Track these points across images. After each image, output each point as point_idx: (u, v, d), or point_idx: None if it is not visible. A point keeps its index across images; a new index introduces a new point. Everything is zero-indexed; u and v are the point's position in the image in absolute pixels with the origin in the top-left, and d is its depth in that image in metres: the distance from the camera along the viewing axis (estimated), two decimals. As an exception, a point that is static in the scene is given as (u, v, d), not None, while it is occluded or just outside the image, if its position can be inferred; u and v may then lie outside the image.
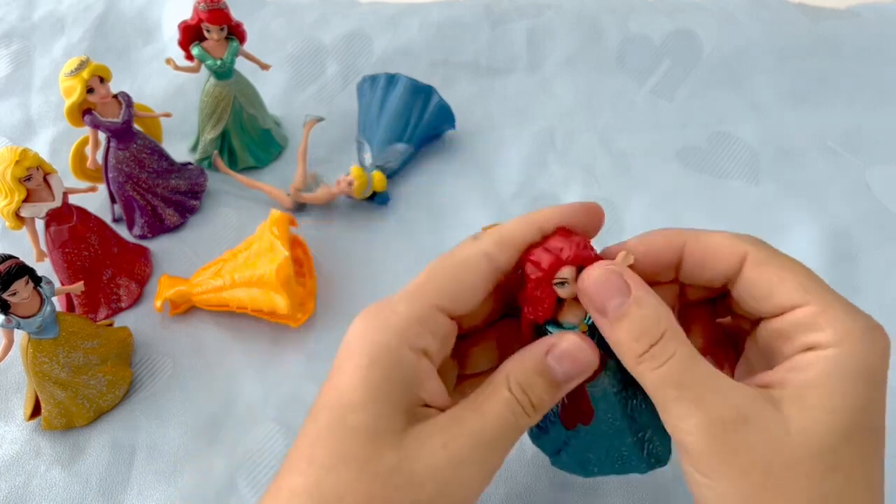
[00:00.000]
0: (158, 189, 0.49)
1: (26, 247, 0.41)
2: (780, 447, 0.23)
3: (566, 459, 0.31)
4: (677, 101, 0.58)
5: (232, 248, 0.46)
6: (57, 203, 0.42)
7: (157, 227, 0.49)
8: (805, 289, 0.25)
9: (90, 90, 0.44)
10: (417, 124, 0.52)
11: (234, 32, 0.49)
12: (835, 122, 0.56)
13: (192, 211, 0.50)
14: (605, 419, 0.29)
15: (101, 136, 0.46)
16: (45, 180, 0.41)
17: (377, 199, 0.50)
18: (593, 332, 0.27)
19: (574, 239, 0.27)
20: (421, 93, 0.53)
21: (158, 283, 0.45)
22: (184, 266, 0.47)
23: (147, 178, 0.48)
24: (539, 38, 0.62)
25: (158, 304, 0.44)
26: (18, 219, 0.41)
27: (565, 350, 0.26)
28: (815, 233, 0.48)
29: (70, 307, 0.45)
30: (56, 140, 0.55)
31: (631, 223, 0.50)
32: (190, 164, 0.52)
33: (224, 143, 0.52)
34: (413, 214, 0.50)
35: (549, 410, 0.28)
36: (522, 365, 0.26)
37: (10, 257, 0.34)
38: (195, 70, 0.50)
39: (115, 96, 0.46)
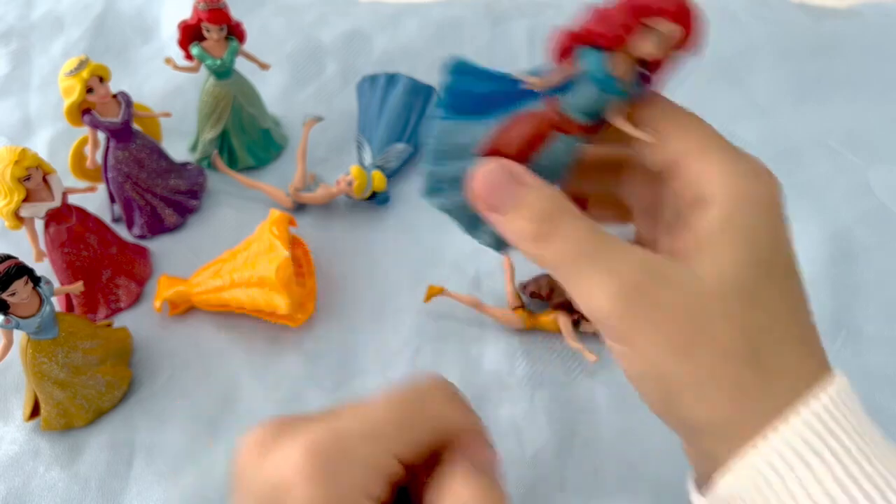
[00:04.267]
0: (158, 189, 0.48)
1: (25, 247, 0.41)
2: (695, 294, 0.22)
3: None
4: (678, 100, 0.57)
5: (231, 248, 0.45)
6: (56, 203, 0.42)
7: (157, 227, 0.49)
8: (699, 137, 0.25)
9: (90, 90, 0.44)
10: (417, 124, 0.52)
11: (234, 32, 0.49)
12: (836, 122, 0.56)
13: (192, 211, 0.50)
14: None
15: (101, 135, 0.46)
16: (45, 180, 0.41)
17: (377, 199, 0.50)
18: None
19: None
20: (421, 92, 0.53)
21: (158, 284, 0.45)
22: (183, 266, 0.47)
23: (146, 177, 0.48)
24: (539, 37, 0.62)
25: (158, 304, 0.44)
26: (18, 219, 0.41)
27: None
28: (816, 232, 0.48)
29: (69, 307, 0.45)
30: (55, 140, 0.55)
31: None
32: (189, 163, 0.52)
33: (223, 143, 0.52)
34: (413, 214, 0.50)
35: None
36: None
37: (10, 257, 0.34)
38: (194, 70, 0.50)
39: (115, 96, 0.46)
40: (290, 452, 0.22)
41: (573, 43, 0.24)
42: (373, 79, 0.55)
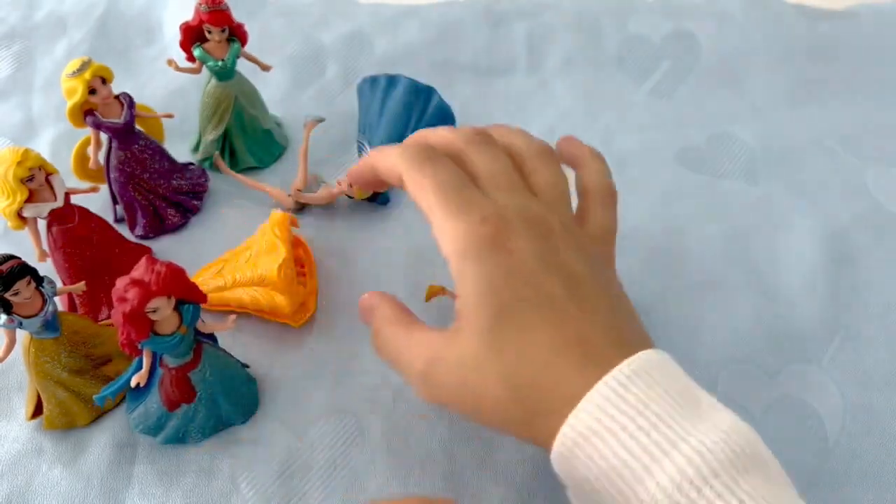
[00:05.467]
0: (160, 189, 0.49)
1: (28, 247, 0.42)
2: (459, 367, 0.29)
3: (171, 435, 0.38)
4: (676, 101, 0.58)
5: (233, 249, 0.46)
6: (59, 203, 0.42)
7: (159, 228, 0.49)
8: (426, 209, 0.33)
9: (92, 91, 0.44)
10: (418, 125, 0.53)
11: (236, 34, 0.49)
12: (834, 122, 0.56)
13: (194, 211, 0.51)
14: (204, 394, 0.38)
15: (103, 136, 0.47)
16: (47, 180, 0.41)
17: (377, 200, 0.50)
18: (194, 331, 0.36)
19: (155, 268, 0.33)
20: (421, 93, 0.54)
21: (160, 283, 0.45)
22: (185, 266, 0.47)
23: (149, 178, 0.48)
24: (539, 39, 0.62)
25: (160, 303, 0.44)
26: (20, 219, 0.41)
27: None
28: (814, 233, 0.49)
29: (72, 307, 0.45)
30: (57, 140, 0.55)
31: (630, 223, 0.50)
32: (191, 164, 0.52)
33: (225, 144, 0.52)
34: (413, 214, 0.50)
35: (153, 403, 0.37)
36: None
37: (12, 257, 0.34)
38: (196, 71, 0.50)
39: (117, 97, 0.46)
40: None
41: (138, 341, 0.34)
42: (373, 80, 0.55)
